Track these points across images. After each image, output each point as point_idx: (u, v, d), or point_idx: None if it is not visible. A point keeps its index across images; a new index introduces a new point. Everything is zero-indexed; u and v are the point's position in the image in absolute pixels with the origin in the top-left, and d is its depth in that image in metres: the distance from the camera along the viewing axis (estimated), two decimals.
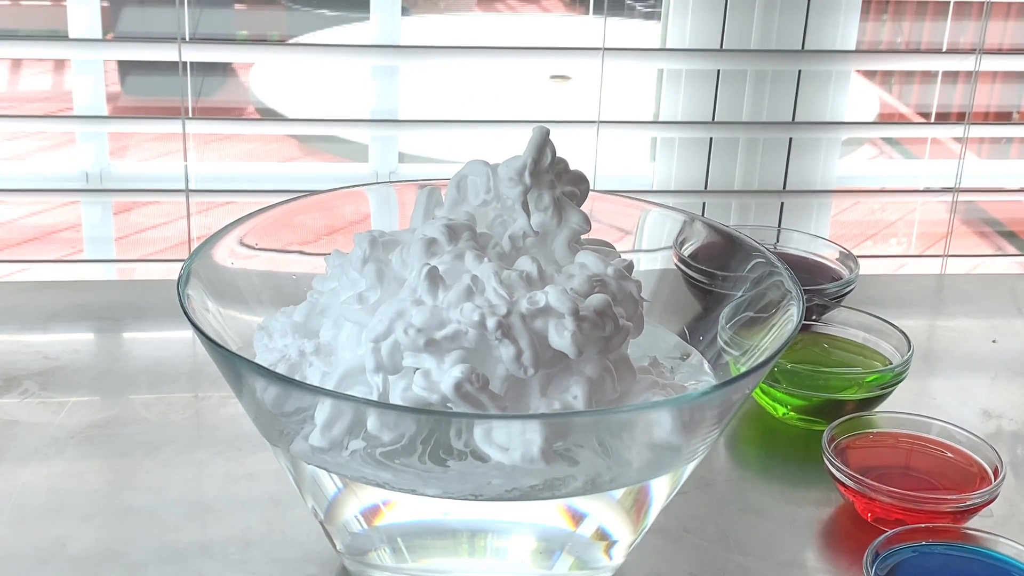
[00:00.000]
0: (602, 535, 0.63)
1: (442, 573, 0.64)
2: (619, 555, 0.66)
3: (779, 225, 1.33)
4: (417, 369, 0.58)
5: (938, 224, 1.56)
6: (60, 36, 1.45)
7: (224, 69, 1.96)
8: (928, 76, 1.72)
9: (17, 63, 2.42)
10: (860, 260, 0.95)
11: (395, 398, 0.58)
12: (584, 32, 1.63)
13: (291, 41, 1.87)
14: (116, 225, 1.44)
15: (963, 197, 1.37)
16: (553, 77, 1.77)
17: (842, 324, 0.88)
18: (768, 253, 0.70)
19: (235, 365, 0.59)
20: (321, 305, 0.65)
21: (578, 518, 0.62)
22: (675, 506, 0.69)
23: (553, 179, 0.65)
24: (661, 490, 0.63)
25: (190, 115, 1.23)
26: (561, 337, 0.57)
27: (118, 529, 0.71)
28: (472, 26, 2.26)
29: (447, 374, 0.56)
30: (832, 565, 0.72)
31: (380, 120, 1.34)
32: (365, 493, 0.61)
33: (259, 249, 0.70)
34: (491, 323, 0.57)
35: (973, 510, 0.71)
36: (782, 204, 1.35)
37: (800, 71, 1.30)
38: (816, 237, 1.00)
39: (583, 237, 0.66)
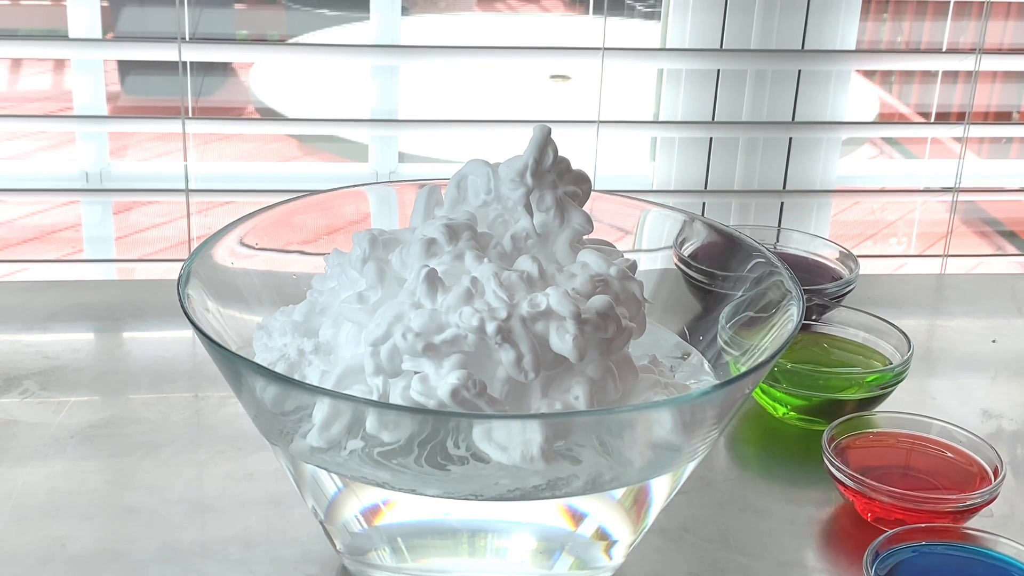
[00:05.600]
0: (602, 535, 0.63)
1: (442, 573, 0.64)
2: (619, 555, 0.66)
3: (779, 225, 1.33)
4: (417, 373, 0.58)
5: (938, 224, 1.56)
6: (60, 36, 1.44)
7: (224, 69, 1.96)
8: (928, 76, 1.72)
9: (17, 63, 2.42)
10: (860, 260, 0.96)
11: (395, 398, 0.58)
12: (584, 32, 1.63)
13: (291, 41, 1.87)
14: (116, 225, 1.44)
15: (963, 197, 1.37)
16: (553, 77, 1.77)
17: (842, 324, 0.88)
18: (768, 253, 0.70)
19: (235, 365, 0.59)
20: (321, 304, 0.65)
21: (578, 518, 0.62)
22: (675, 506, 0.69)
23: (555, 179, 0.65)
24: (661, 490, 0.63)
25: (190, 115, 1.23)
26: (563, 341, 0.57)
27: (118, 529, 0.71)
28: (472, 26, 2.26)
29: (444, 380, 0.56)
30: (832, 565, 0.72)
31: (380, 120, 1.34)
32: (365, 493, 0.61)
33: (259, 249, 0.70)
34: (491, 328, 0.57)
35: (973, 510, 0.71)
36: (782, 204, 1.35)
37: (800, 71, 1.30)
38: (816, 237, 1.00)
39: (584, 237, 0.66)
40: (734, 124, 1.31)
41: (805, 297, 0.66)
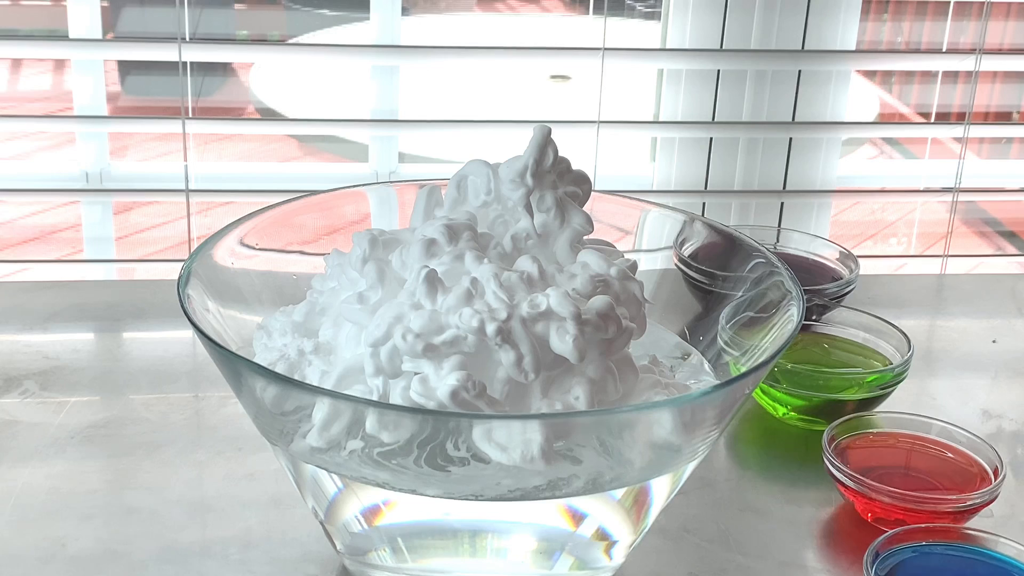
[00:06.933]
0: (602, 535, 0.63)
1: (442, 573, 0.64)
2: (619, 555, 0.66)
3: (779, 225, 1.33)
4: (417, 374, 0.58)
5: (938, 224, 1.56)
6: (60, 36, 1.45)
7: (224, 69, 1.96)
8: (928, 76, 1.72)
9: (17, 63, 2.41)
10: (860, 260, 0.96)
11: (395, 399, 0.58)
12: (584, 32, 1.63)
13: (291, 41, 1.87)
14: (116, 225, 1.44)
15: (963, 197, 1.37)
16: (553, 77, 1.77)
17: (842, 324, 0.88)
18: (768, 253, 0.70)
19: (235, 365, 0.59)
20: (320, 304, 0.65)
21: (578, 518, 0.62)
22: (675, 506, 0.69)
23: (555, 179, 0.65)
24: (661, 490, 0.63)
25: (190, 115, 1.23)
26: (563, 342, 0.57)
27: (118, 529, 0.71)
28: (472, 26, 2.26)
29: (443, 381, 0.56)
30: (832, 565, 0.72)
31: (380, 120, 1.34)
32: (365, 493, 0.61)
33: (259, 249, 0.70)
34: (491, 329, 0.57)
35: (973, 510, 0.71)
36: (782, 204, 1.35)
37: (800, 71, 1.30)
38: (816, 237, 1.00)
39: (584, 238, 0.66)
40: (734, 124, 1.31)
41: (805, 297, 0.66)
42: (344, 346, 0.62)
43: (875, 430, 0.79)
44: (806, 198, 1.35)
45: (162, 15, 1.32)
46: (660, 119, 1.33)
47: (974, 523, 0.71)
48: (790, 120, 1.31)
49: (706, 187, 1.33)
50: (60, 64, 2.27)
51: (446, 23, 2.25)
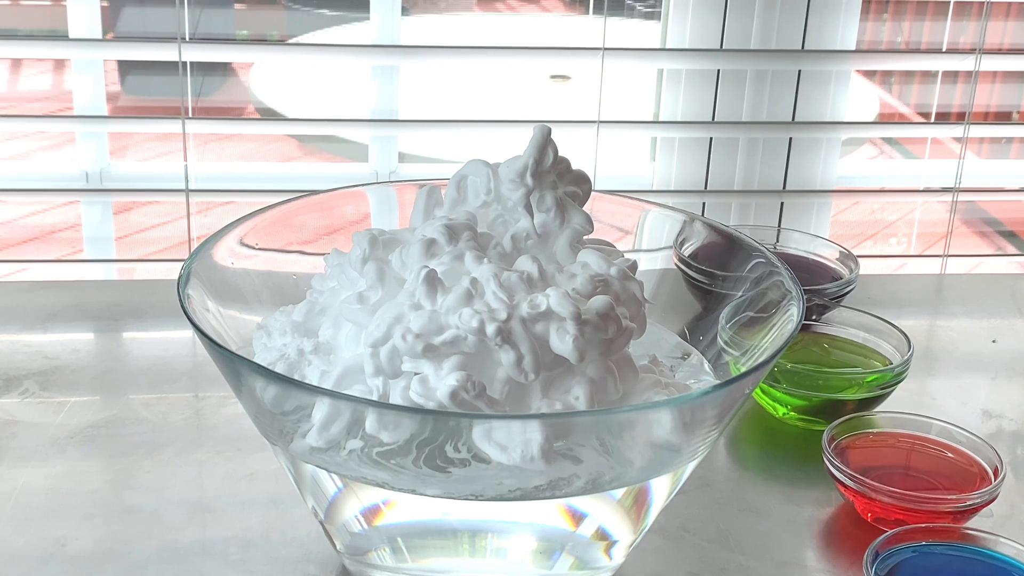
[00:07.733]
0: (602, 535, 0.63)
1: (442, 573, 0.64)
2: (619, 555, 0.66)
3: (779, 225, 1.33)
4: (417, 374, 0.58)
5: (938, 224, 1.56)
6: (60, 36, 1.45)
7: (224, 69, 1.96)
8: (928, 76, 1.72)
9: (17, 63, 2.41)
10: (860, 260, 0.96)
11: (395, 399, 0.58)
12: (584, 32, 1.63)
13: (291, 41, 1.87)
14: (116, 225, 1.44)
15: (963, 197, 1.37)
16: (553, 77, 1.77)
17: (842, 324, 0.88)
18: (768, 253, 0.70)
19: (235, 365, 0.59)
20: (320, 304, 0.65)
21: (578, 518, 0.62)
22: (675, 506, 0.69)
23: (555, 179, 0.65)
24: (661, 490, 0.63)
25: (190, 115, 1.23)
26: (563, 342, 0.57)
27: (118, 529, 0.71)
28: (472, 26, 2.26)
29: (443, 381, 0.56)
30: (832, 565, 0.72)
31: (380, 120, 1.34)
32: (365, 493, 0.61)
33: (259, 249, 0.70)
34: (491, 329, 0.57)
35: (973, 510, 0.71)
36: (782, 204, 1.35)
37: (800, 71, 1.30)
38: (816, 237, 1.00)
39: (584, 238, 0.66)
40: (734, 124, 1.31)
41: (805, 297, 0.66)
42: (344, 346, 0.62)
43: (875, 430, 0.79)
44: (806, 198, 1.35)
45: (162, 15, 1.32)
46: (660, 119, 1.33)
47: (974, 523, 0.71)
48: (790, 120, 1.31)
49: (706, 187, 1.33)
50: (60, 64, 2.27)
51: (446, 23, 2.25)
